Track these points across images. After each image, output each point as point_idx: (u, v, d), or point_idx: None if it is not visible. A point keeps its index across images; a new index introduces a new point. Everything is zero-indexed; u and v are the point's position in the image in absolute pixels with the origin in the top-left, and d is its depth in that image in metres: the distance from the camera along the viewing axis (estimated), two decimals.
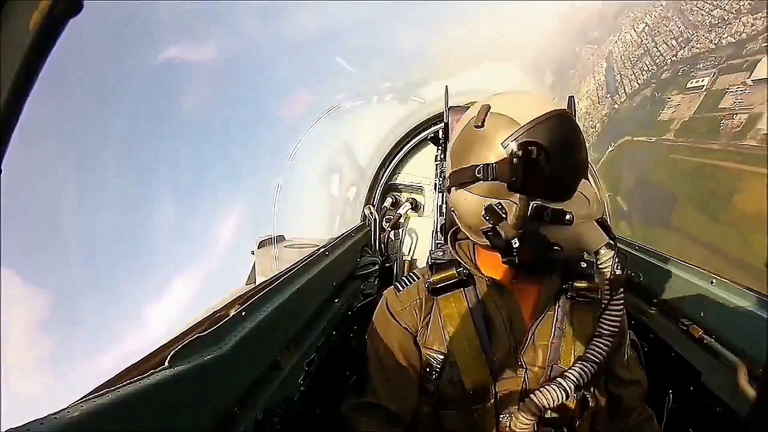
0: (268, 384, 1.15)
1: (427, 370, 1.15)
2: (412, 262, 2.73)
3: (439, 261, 1.20)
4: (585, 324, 1.14)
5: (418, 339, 1.17)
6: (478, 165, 1.01)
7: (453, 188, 1.09)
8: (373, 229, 2.59)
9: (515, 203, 0.99)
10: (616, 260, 0.98)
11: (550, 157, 0.97)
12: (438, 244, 2.25)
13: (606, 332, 1.04)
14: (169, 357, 0.82)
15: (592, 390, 1.14)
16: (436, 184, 2.30)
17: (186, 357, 0.86)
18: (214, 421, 0.90)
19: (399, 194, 2.76)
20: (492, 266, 1.15)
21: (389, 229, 2.65)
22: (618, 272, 0.98)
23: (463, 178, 1.04)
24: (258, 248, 3.06)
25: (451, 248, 1.20)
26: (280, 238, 3.19)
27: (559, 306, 1.14)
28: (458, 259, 1.17)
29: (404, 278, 1.26)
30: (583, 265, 1.18)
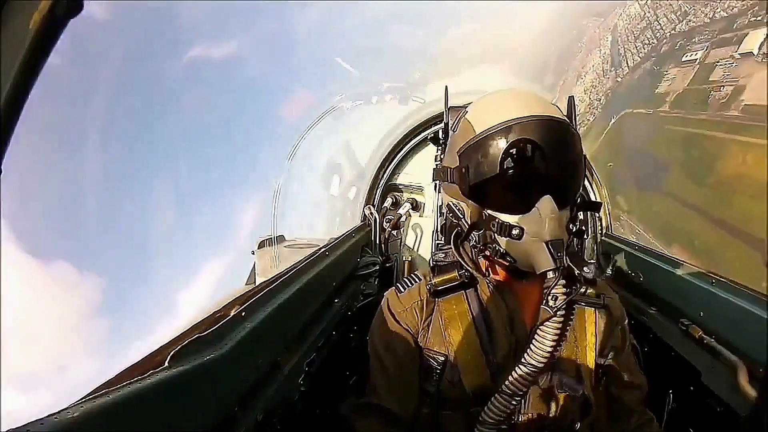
0: (268, 384, 1.15)
1: (428, 371, 1.15)
2: (412, 263, 2.73)
3: (441, 263, 1.20)
4: (588, 327, 1.14)
5: (419, 340, 1.17)
6: (446, 167, 1.08)
7: (442, 187, 1.18)
8: (373, 229, 2.59)
9: (468, 208, 1.05)
10: (562, 282, 0.96)
11: (502, 172, 0.98)
12: (438, 244, 2.25)
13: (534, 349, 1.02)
14: (169, 357, 0.82)
15: (592, 392, 1.14)
16: (436, 184, 2.30)
17: (186, 357, 0.85)
18: (214, 421, 0.90)
19: (399, 194, 2.76)
20: (494, 268, 1.16)
21: (389, 229, 2.65)
22: (561, 294, 0.97)
23: (438, 177, 1.13)
24: (258, 248, 3.06)
25: (453, 250, 1.20)
26: (280, 238, 3.19)
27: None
28: (460, 260, 1.17)
29: (406, 279, 1.26)
30: (586, 269, 1.19)
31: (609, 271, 2.21)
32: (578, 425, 1.13)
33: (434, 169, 1.18)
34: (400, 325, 1.17)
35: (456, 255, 1.18)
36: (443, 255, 1.23)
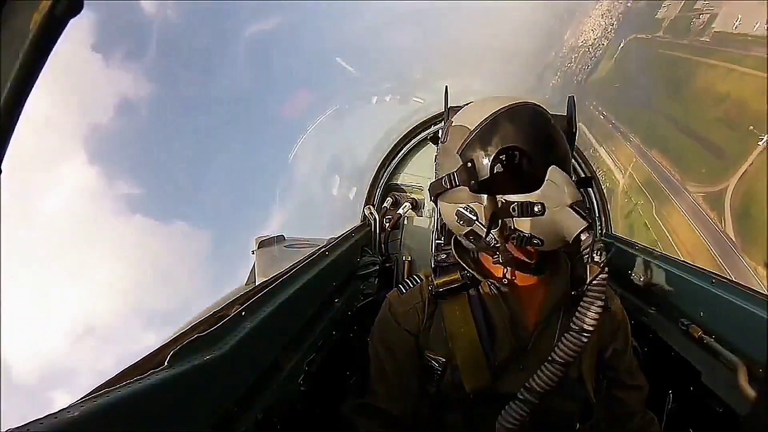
0: (268, 384, 1.15)
1: (429, 372, 1.15)
2: (412, 262, 2.72)
3: (443, 264, 1.19)
4: None
5: (420, 341, 1.16)
6: (446, 175, 1.07)
7: (438, 201, 1.15)
8: (373, 229, 2.59)
9: (482, 204, 1.03)
10: (600, 244, 0.94)
11: (505, 153, 1.00)
12: (438, 244, 2.25)
13: (579, 328, 0.97)
14: (169, 357, 0.82)
15: (593, 394, 1.14)
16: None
17: (186, 357, 0.85)
18: (214, 421, 0.90)
19: (399, 194, 2.76)
20: (496, 269, 1.15)
21: (389, 229, 2.65)
22: (597, 258, 0.93)
23: (438, 190, 1.11)
24: (258, 248, 3.06)
25: (454, 252, 1.19)
26: (280, 238, 3.18)
27: (564, 310, 1.13)
28: (461, 262, 1.16)
29: (407, 280, 1.26)
30: (606, 272, 1.18)
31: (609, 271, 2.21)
32: (579, 426, 1.13)
33: (431, 185, 1.16)
34: (401, 326, 1.17)
35: (456, 257, 1.17)
36: (445, 255, 1.22)
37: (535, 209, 0.97)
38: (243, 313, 1.09)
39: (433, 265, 1.23)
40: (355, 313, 1.90)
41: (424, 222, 2.76)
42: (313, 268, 1.61)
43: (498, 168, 1.01)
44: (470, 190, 1.03)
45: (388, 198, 2.72)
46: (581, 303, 0.96)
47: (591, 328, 0.95)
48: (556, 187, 0.97)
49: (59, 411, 0.62)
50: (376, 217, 2.61)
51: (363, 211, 2.66)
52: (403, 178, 2.78)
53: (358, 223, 2.61)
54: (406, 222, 2.75)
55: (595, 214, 2.60)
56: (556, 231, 0.97)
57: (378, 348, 1.20)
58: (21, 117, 0.42)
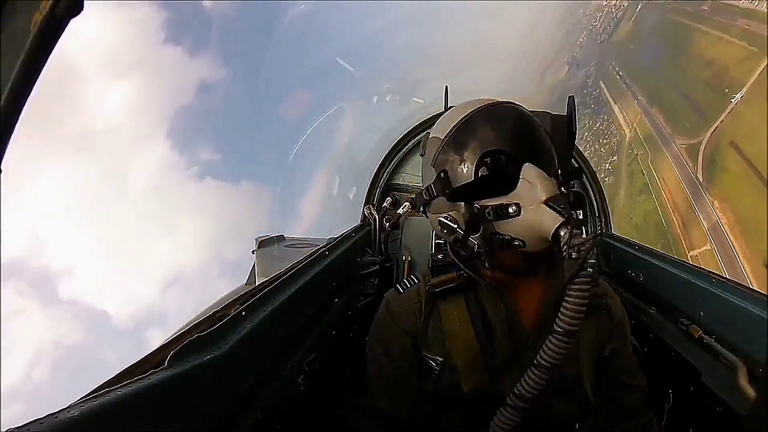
0: (268, 384, 1.15)
1: (426, 372, 1.15)
2: (412, 262, 2.72)
3: (440, 264, 1.19)
4: (588, 329, 1.12)
5: (417, 341, 1.16)
6: (424, 188, 1.09)
7: (426, 213, 1.17)
8: (373, 229, 2.59)
9: (460, 212, 1.03)
10: (582, 240, 0.88)
11: (476, 158, 1.00)
12: (438, 243, 2.24)
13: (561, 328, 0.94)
14: (169, 357, 0.82)
15: (592, 393, 1.14)
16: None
17: (186, 357, 0.85)
18: (214, 421, 0.90)
19: (399, 194, 2.75)
20: (494, 269, 1.15)
21: (389, 229, 2.65)
22: (574, 255, 0.88)
23: (420, 202, 1.13)
24: (258, 248, 3.06)
25: (450, 252, 1.18)
26: (280, 238, 3.18)
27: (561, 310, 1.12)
28: (458, 262, 1.15)
29: (406, 280, 1.26)
30: (589, 270, 1.18)
31: (608, 271, 2.21)
32: (578, 426, 1.13)
33: (416, 197, 1.16)
34: (399, 326, 1.17)
35: (453, 257, 1.16)
36: (442, 255, 1.22)
37: (510, 210, 0.96)
38: (243, 313, 1.09)
39: (430, 265, 1.22)
40: (355, 313, 1.90)
41: (424, 222, 2.75)
42: (313, 268, 1.61)
43: (469, 174, 1.01)
44: (447, 200, 1.03)
45: (388, 198, 2.72)
46: (563, 304, 0.93)
47: (573, 330, 0.92)
48: (529, 185, 0.95)
49: (59, 411, 0.62)
50: (376, 217, 2.61)
51: (363, 211, 2.66)
52: (403, 178, 2.78)
53: (358, 223, 2.61)
54: (406, 222, 2.75)
55: (595, 214, 2.59)
56: (533, 230, 0.95)
57: (375, 347, 1.20)
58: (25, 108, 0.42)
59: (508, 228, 0.98)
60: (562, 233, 0.89)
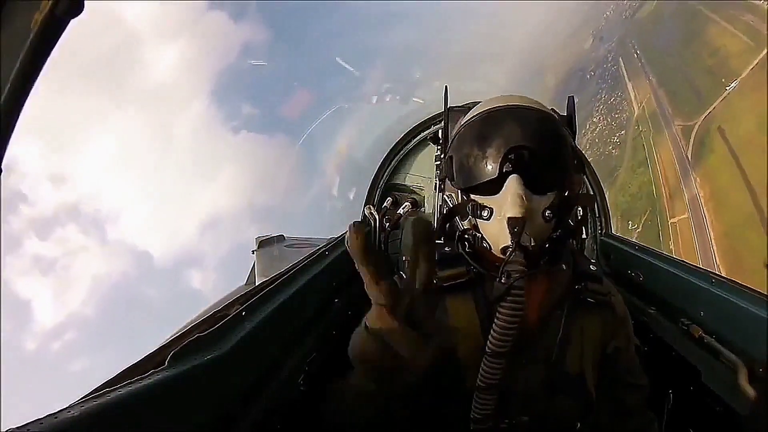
0: (268, 384, 1.15)
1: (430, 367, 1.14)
2: None
3: (448, 256, 1.17)
4: (592, 326, 1.12)
5: None
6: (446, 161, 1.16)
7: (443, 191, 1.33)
8: (373, 229, 2.59)
9: (455, 196, 1.13)
10: (520, 267, 0.91)
11: (470, 154, 1.06)
12: (438, 243, 2.23)
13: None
14: (169, 357, 0.82)
15: (593, 392, 1.14)
16: (436, 184, 2.30)
17: (186, 357, 0.85)
18: (214, 422, 0.90)
19: (399, 194, 2.75)
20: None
21: (389, 229, 2.65)
22: (503, 280, 0.91)
23: (439, 170, 1.27)
24: (258, 248, 3.06)
25: (459, 247, 1.17)
26: (280, 238, 3.18)
27: (567, 306, 1.12)
28: (466, 257, 1.14)
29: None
30: (593, 267, 1.18)
31: (608, 271, 2.21)
32: (579, 425, 1.13)
33: (438, 163, 1.29)
34: None
35: (462, 251, 1.15)
36: (449, 248, 1.19)
37: (483, 213, 1.03)
38: (243, 313, 1.09)
39: (438, 257, 1.21)
40: (355, 313, 1.90)
41: None
42: (313, 268, 1.61)
43: (462, 166, 1.08)
44: (450, 182, 1.13)
45: (388, 198, 2.72)
46: (494, 321, 0.95)
47: (503, 351, 0.95)
48: (505, 196, 0.99)
49: (59, 411, 0.62)
50: (376, 217, 2.61)
51: (363, 211, 2.66)
52: (403, 178, 2.78)
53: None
54: (406, 222, 2.75)
55: (595, 214, 2.59)
56: (494, 239, 1.02)
57: None
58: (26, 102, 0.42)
59: (484, 228, 1.06)
60: (503, 255, 0.95)
